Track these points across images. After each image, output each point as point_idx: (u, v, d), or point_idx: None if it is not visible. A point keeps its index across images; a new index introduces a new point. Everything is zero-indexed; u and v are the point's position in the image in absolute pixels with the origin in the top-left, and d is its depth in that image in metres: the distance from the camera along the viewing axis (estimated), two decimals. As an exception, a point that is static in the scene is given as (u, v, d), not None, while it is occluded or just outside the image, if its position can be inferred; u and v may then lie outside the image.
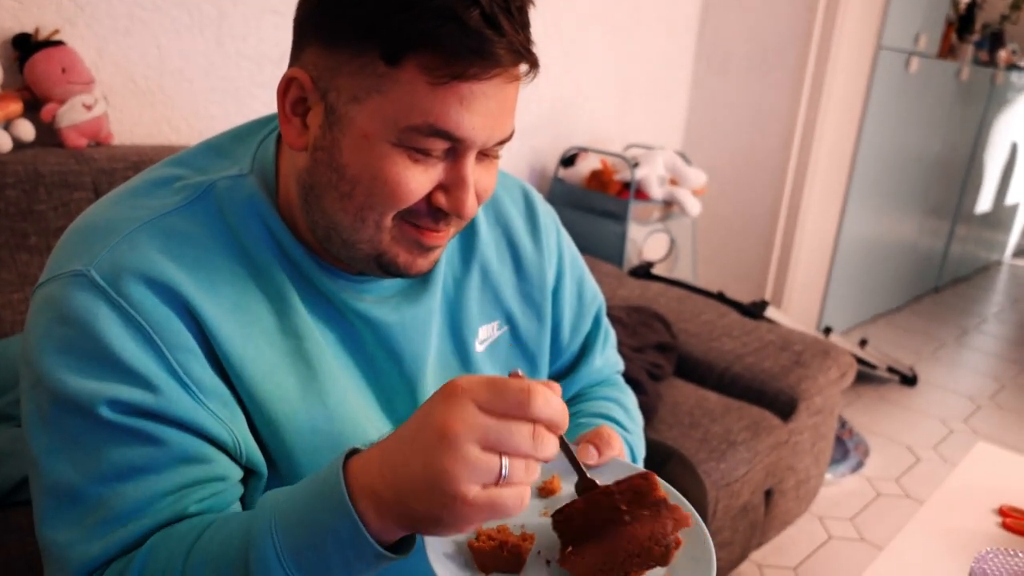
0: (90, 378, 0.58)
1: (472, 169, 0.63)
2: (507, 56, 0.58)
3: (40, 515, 0.60)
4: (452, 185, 0.63)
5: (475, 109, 0.59)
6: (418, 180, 0.61)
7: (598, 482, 0.62)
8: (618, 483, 0.60)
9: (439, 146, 0.60)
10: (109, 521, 0.58)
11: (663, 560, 0.57)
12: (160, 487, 0.59)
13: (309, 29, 0.62)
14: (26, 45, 1.34)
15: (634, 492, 0.59)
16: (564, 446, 0.55)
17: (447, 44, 0.56)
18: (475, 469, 0.48)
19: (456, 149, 0.62)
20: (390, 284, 0.74)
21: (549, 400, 0.50)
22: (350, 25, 0.58)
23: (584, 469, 0.62)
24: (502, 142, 0.64)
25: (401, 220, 0.64)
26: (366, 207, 0.62)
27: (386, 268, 0.66)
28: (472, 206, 0.64)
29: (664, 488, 0.61)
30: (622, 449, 0.71)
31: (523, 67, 0.62)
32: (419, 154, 0.60)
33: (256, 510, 0.55)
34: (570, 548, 0.58)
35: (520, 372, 0.53)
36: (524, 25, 0.60)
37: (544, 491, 0.67)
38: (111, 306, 0.59)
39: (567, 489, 0.67)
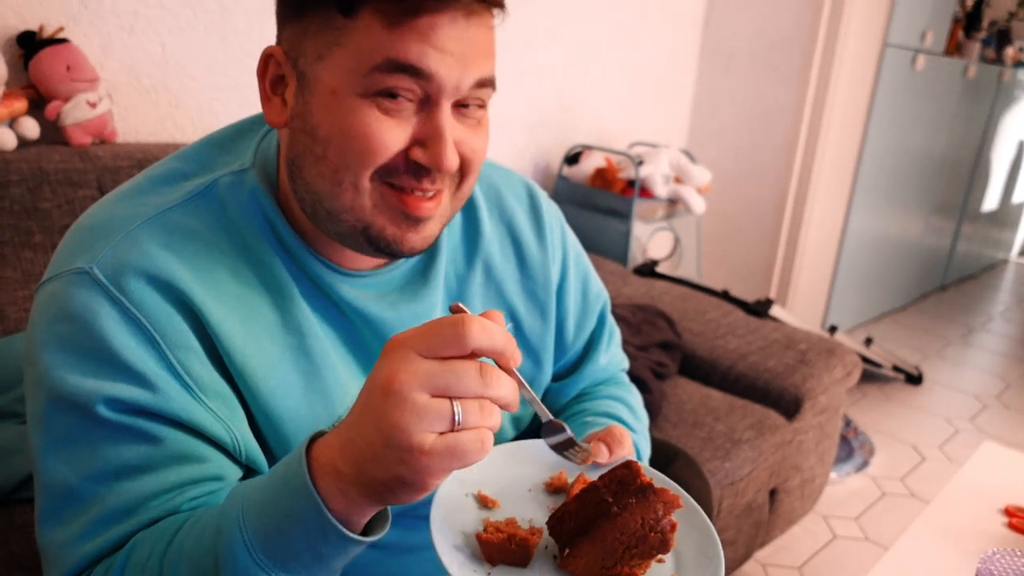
0: (89, 376, 0.58)
1: (448, 119, 0.61)
2: None
3: (38, 513, 0.60)
4: (428, 137, 0.61)
5: (437, 45, 0.58)
6: (390, 133, 0.60)
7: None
8: (601, 476, 0.59)
9: (405, 85, 0.59)
10: (103, 520, 0.58)
11: (663, 547, 0.56)
12: (156, 485, 0.59)
13: (281, 6, 0.63)
14: (31, 43, 1.34)
15: (618, 482, 0.59)
16: (522, 385, 0.53)
17: None
18: (425, 416, 0.46)
19: (428, 97, 0.60)
20: (390, 279, 0.74)
21: (485, 327, 0.48)
22: None
23: (546, 411, 0.60)
24: (480, 85, 0.63)
25: (381, 183, 0.62)
26: (341, 167, 0.61)
27: (376, 244, 0.64)
28: (451, 158, 0.61)
29: (649, 473, 0.61)
30: (631, 449, 0.70)
31: (480, 5, 0.61)
32: (388, 101, 0.59)
33: (225, 501, 0.55)
34: (567, 551, 0.58)
35: (460, 305, 0.52)
36: None
37: (552, 487, 0.67)
38: (112, 304, 0.59)
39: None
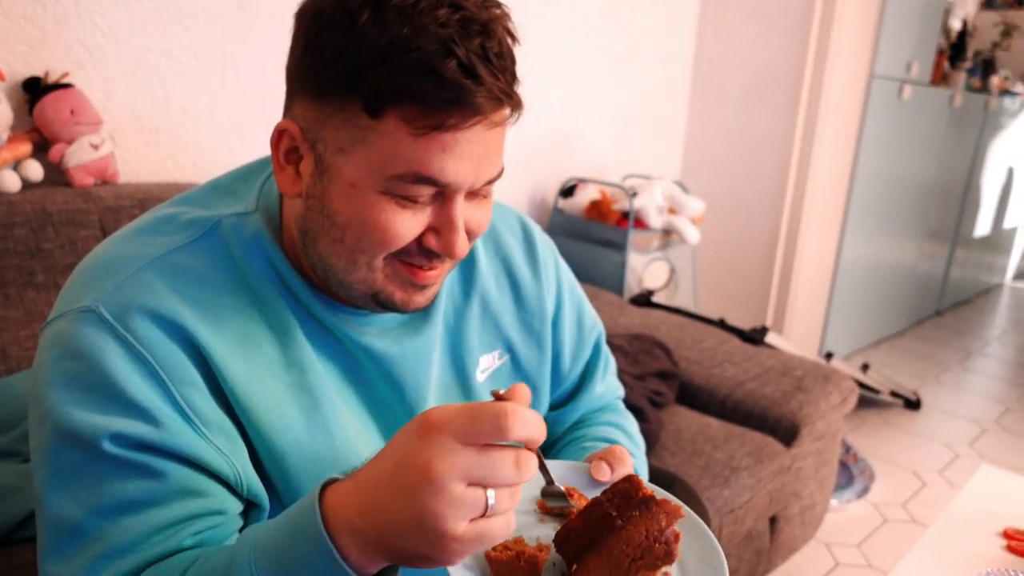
0: (94, 412, 0.59)
1: (461, 210, 0.64)
2: (487, 103, 0.59)
3: (41, 549, 0.61)
4: (442, 227, 0.64)
5: (458, 155, 0.60)
6: (407, 225, 0.63)
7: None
8: (604, 492, 0.61)
9: (425, 192, 0.62)
10: (107, 555, 0.59)
11: (668, 557, 0.57)
12: (160, 520, 0.59)
13: (296, 81, 0.64)
14: (36, 88, 1.37)
15: (621, 496, 0.60)
16: (539, 457, 0.55)
17: (426, 97, 0.58)
18: (462, 507, 0.47)
19: (443, 193, 0.63)
20: (391, 317, 0.75)
21: (527, 420, 0.49)
22: (332, 79, 0.60)
23: (551, 477, 0.63)
24: (491, 181, 0.65)
25: (393, 259, 0.65)
26: (357, 251, 0.64)
27: (384, 305, 0.68)
28: (463, 246, 0.64)
29: (649, 487, 0.62)
30: (632, 469, 0.71)
31: (506, 111, 0.63)
32: (406, 200, 0.62)
33: (237, 544, 0.56)
34: (574, 567, 0.59)
35: (500, 392, 0.53)
36: (504, 69, 0.60)
37: (547, 509, 0.68)
38: (118, 341, 0.61)
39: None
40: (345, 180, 0.62)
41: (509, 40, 0.61)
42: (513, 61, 0.62)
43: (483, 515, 0.49)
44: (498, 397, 0.53)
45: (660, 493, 0.66)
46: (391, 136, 0.59)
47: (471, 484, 0.48)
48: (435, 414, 0.49)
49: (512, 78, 0.62)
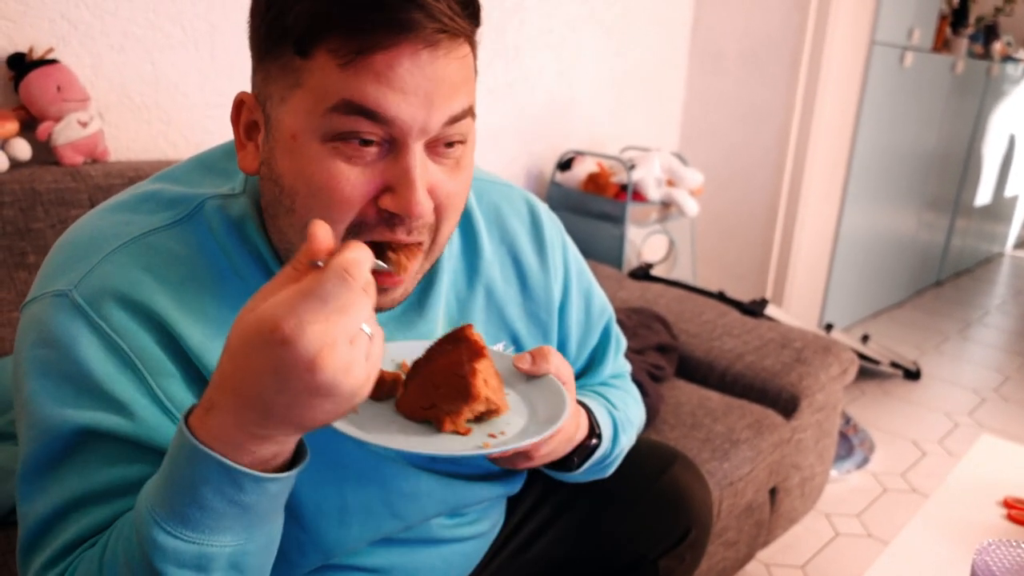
0: (68, 404, 0.58)
1: (418, 163, 0.58)
2: (413, 20, 0.54)
3: (19, 539, 0.60)
4: (397, 183, 0.58)
5: (398, 87, 0.55)
6: (352, 181, 0.58)
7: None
8: (443, 336, 0.66)
9: (365, 128, 0.56)
10: (75, 543, 0.58)
11: (466, 391, 0.61)
12: (130, 507, 0.58)
13: (251, 50, 0.62)
14: (20, 64, 1.35)
15: (447, 337, 0.65)
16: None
17: (347, 21, 0.54)
18: (326, 338, 0.45)
19: (394, 140, 0.58)
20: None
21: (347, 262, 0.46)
22: (268, 31, 0.58)
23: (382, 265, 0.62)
24: (452, 121, 0.59)
25: (356, 239, 0.60)
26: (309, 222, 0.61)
27: None
28: (422, 203, 0.58)
29: (479, 336, 0.65)
30: (564, 370, 0.71)
31: (460, 41, 0.58)
32: (350, 147, 0.57)
33: (136, 502, 0.54)
34: (402, 390, 0.65)
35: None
36: None
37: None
38: (92, 329, 0.59)
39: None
40: (287, 132, 0.58)
41: None
42: None
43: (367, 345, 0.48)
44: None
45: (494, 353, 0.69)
46: (321, 72, 0.56)
47: (353, 338, 0.47)
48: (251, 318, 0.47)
49: (460, 3, 0.57)
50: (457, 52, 0.58)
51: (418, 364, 0.65)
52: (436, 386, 0.62)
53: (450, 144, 0.61)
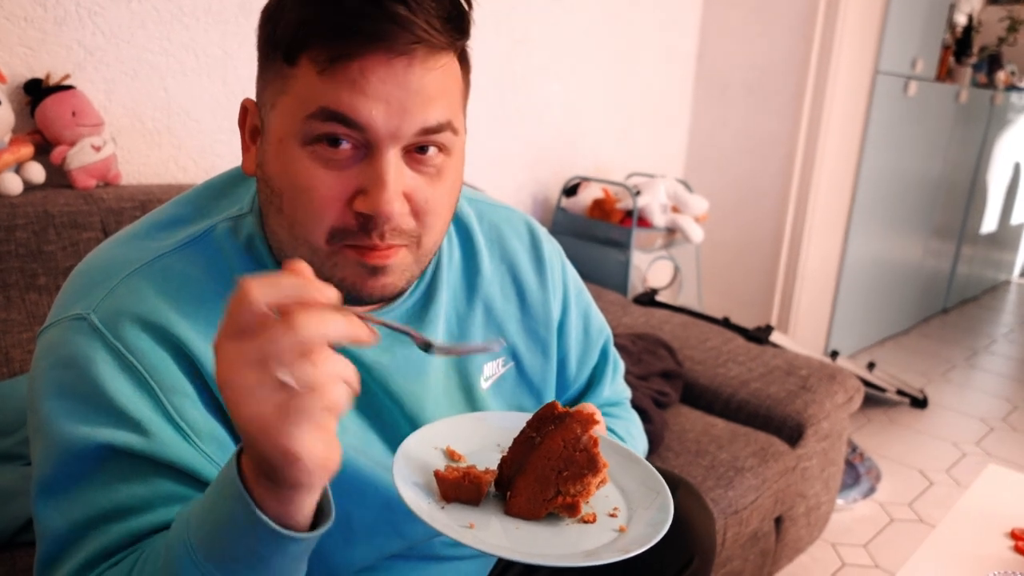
0: (84, 422, 0.59)
1: (393, 166, 0.60)
2: (387, 31, 0.56)
3: (36, 557, 0.61)
4: (369, 184, 0.60)
5: (372, 94, 0.57)
6: (328, 184, 0.60)
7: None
8: (528, 422, 0.63)
9: (341, 132, 0.58)
10: (93, 562, 0.58)
11: (592, 464, 0.58)
12: (146, 525, 0.59)
13: (257, 60, 0.65)
14: (37, 90, 1.37)
15: (539, 419, 0.62)
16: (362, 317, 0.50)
17: (327, 30, 0.57)
18: (255, 392, 0.45)
19: (369, 145, 0.60)
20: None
21: (269, 283, 0.46)
22: (266, 40, 0.61)
23: (409, 329, 0.58)
24: (428, 132, 0.60)
25: (340, 246, 0.62)
26: (295, 223, 0.62)
27: (344, 292, 0.64)
28: (393, 204, 0.59)
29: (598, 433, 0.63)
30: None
31: (437, 53, 0.59)
32: (327, 150, 0.59)
33: (174, 522, 0.55)
34: (508, 494, 0.61)
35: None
36: (421, 3, 0.57)
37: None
38: (108, 350, 0.61)
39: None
40: (275, 136, 0.62)
41: None
42: (448, 3, 0.59)
43: (292, 396, 0.45)
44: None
45: (608, 441, 0.68)
46: (303, 79, 0.59)
47: (259, 370, 0.44)
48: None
49: (440, 17, 0.58)
50: (434, 63, 0.60)
51: (513, 460, 0.61)
52: (558, 471, 0.59)
53: (423, 149, 0.62)
